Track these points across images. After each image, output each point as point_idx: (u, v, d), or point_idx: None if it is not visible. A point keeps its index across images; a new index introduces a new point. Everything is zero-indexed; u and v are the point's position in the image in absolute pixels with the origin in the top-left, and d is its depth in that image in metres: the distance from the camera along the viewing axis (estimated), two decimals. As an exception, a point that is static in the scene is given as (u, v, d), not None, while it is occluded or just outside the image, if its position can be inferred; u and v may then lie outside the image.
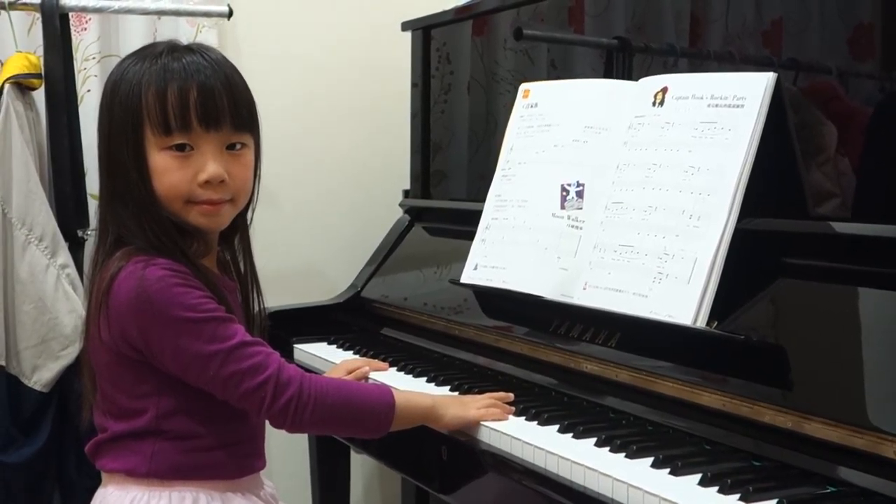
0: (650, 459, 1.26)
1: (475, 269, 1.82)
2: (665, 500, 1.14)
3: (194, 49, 1.37)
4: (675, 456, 1.26)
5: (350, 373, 1.76)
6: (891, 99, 1.39)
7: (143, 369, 1.33)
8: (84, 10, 2.28)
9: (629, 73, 1.80)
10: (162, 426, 1.34)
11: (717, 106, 1.48)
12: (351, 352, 1.97)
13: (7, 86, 2.11)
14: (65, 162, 2.19)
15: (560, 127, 1.76)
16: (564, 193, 1.69)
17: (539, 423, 1.44)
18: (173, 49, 1.36)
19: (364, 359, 1.85)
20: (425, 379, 1.73)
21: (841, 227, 1.37)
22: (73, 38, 2.30)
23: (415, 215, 2.34)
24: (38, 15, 2.21)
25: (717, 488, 1.17)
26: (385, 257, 2.28)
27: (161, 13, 2.36)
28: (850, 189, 1.43)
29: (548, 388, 1.62)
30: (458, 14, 2.26)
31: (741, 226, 1.42)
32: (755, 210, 1.43)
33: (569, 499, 1.27)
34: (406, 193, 2.43)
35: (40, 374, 2.13)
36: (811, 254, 1.39)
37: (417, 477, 1.77)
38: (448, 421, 1.47)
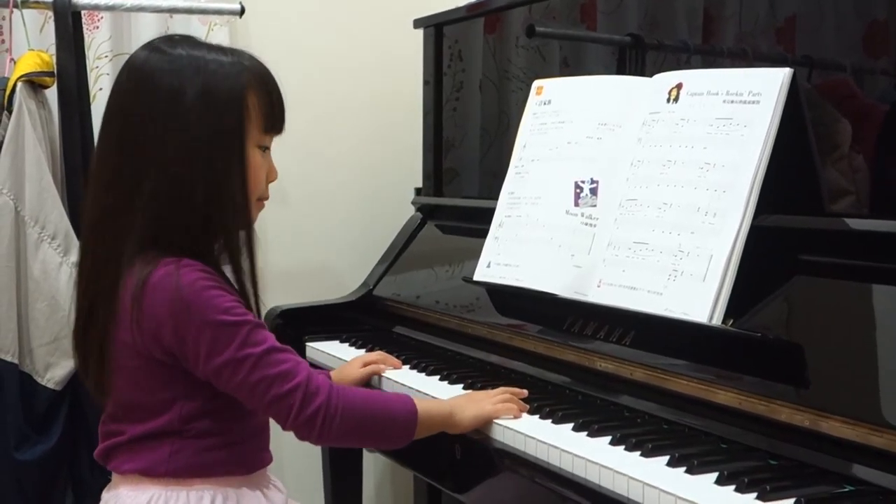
0: (666, 458, 1.26)
1: (488, 266, 1.82)
2: (682, 498, 1.14)
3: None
4: (690, 454, 1.25)
5: (365, 365, 1.77)
6: (907, 95, 1.38)
7: (173, 373, 1.32)
8: (96, 7, 2.28)
9: (642, 71, 1.79)
10: (183, 427, 1.34)
11: (732, 102, 1.47)
12: (363, 350, 1.97)
13: (20, 84, 2.12)
14: (77, 160, 2.19)
15: (574, 124, 1.76)
16: (578, 190, 1.69)
17: (553, 422, 1.44)
18: (230, 48, 1.39)
19: (380, 353, 1.85)
20: (438, 377, 1.73)
21: (856, 223, 1.36)
22: (86, 36, 2.30)
23: (427, 213, 2.34)
24: (50, 13, 2.22)
25: (733, 487, 1.16)
26: (397, 255, 2.27)
27: (173, 11, 2.36)
28: (865, 186, 1.42)
29: (562, 386, 1.62)
30: (470, 11, 2.25)
31: (757, 223, 1.41)
32: (771, 207, 1.43)
33: (583, 497, 1.26)
34: (418, 191, 2.42)
35: (53, 372, 2.14)
36: (827, 251, 1.38)
37: (430, 475, 1.77)
38: (466, 425, 1.46)
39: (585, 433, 1.38)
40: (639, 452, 1.29)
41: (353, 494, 2.25)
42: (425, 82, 2.39)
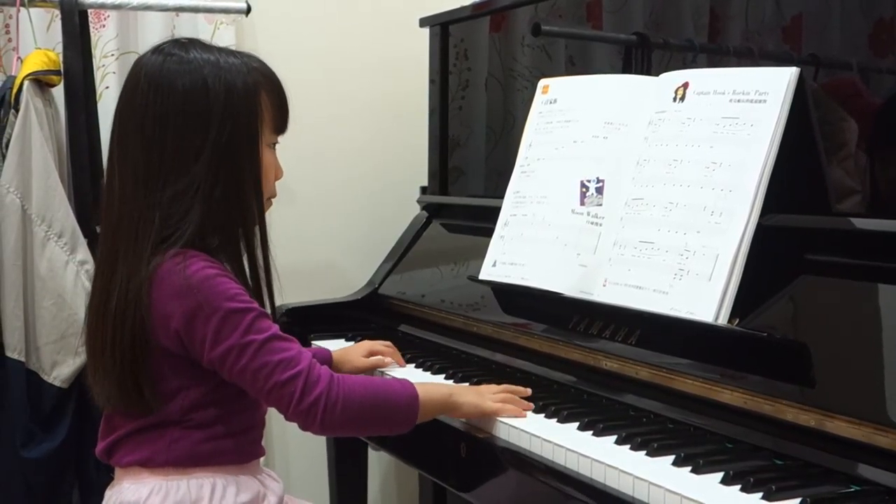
0: (671, 457, 1.26)
1: (494, 265, 1.82)
2: (687, 498, 1.14)
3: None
4: (696, 454, 1.25)
5: (370, 354, 1.78)
6: (914, 94, 1.38)
7: (179, 363, 1.34)
8: (103, 6, 2.29)
9: (647, 70, 1.79)
10: (183, 417, 1.35)
11: (739, 101, 1.47)
12: (369, 349, 1.97)
13: (27, 82, 2.12)
14: (84, 158, 2.20)
15: (579, 123, 1.76)
16: (584, 190, 1.69)
17: (558, 421, 1.44)
18: (235, 50, 1.43)
19: (391, 347, 1.85)
20: (443, 376, 1.73)
21: (863, 223, 1.36)
22: (92, 34, 2.31)
23: (432, 212, 2.34)
24: (57, 12, 2.22)
25: (739, 487, 1.16)
26: (403, 254, 2.28)
27: (179, 10, 2.36)
28: (871, 185, 1.42)
29: (567, 385, 1.62)
30: (476, 10, 2.25)
31: (763, 222, 1.41)
32: (777, 206, 1.42)
33: (589, 497, 1.26)
34: (424, 190, 2.42)
35: (60, 370, 2.14)
36: (833, 250, 1.38)
37: (435, 474, 1.77)
38: (465, 410, 1.47)
39: (591, 432, 1.38)
40: (644, 452, 1.29)
41: (358, 493, 2.25)
42: (431, 81, 2.39)
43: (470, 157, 2.32)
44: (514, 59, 2.15)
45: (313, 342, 2.06)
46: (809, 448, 1.23)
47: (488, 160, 2.24)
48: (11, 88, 2.13)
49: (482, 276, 1.83)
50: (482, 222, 1.94)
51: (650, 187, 1.56)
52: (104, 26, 2.39)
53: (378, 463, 2.70)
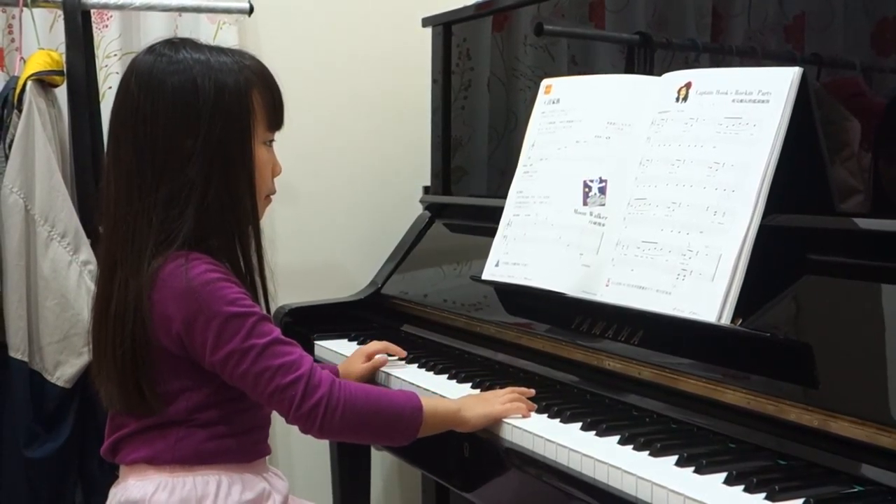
0: (674, 457, 1.25)
1: (496, 265, 1.82)
2: (690, 498, 1.14)
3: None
4: (699, 454, 1.25)
5: (368, 357, 1.79)
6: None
7: (182, 364, 1.35)
8: (106, 6, 2.29)
9: (650, 69, 1.79)
10: (189, 417, 1.36)
11: (741, 101, 1.47)
12: (371, 349, 1.97)
13: (30, 83, 2.12)
14: (87, 158, 2.20)
15: (582, 123, 1.76)
16: (587, 190, 1.69)
17: (561, 421, 1.44)
18: (228, 48, 1.43)
19: (382, 342, 1.85)
20: (446, 376, 1.73)
21: (866, 223, 1.36)
22: (95, 34, 2.31)
23: (435, 212, 2.34)
24: (60, 12, 2.23)
25: (742, 487, 1.16)
26: (405, 254, 2.27)
27: (182, 10, 2.36)
28: (874, 185, 1.41)
29: (570, 385, 1.62)
30: (479, 10, 2.25)
31: (766, 222, 1.41)
32: (780, 206, 1.42)
33: (592, 497, 1.26)
34: (426, 190, 2.42)
35: (63, 370, 2.14)
36: (836, 250, 1.38)
37: (438, 474, 1.77)
38: (474, 423, 1.47)
39: (594, 432, 1.38)
40: (647, 452, 1.29)
41: (362, 493, 2.25)
42: (433, 81, 2.39)
43: (472, 157, 2.32)
44: (516, 59, 2.15)
45: (316, 342, 2.06)
46: (812, 448, 1.22)
47: (491, 160, 2.24)
48: (15, 89, 2.14)
49: (485, 276, 1.83)
50: (485, 222, 1.94)
51: (653, 187, 1.56)
52: (107, 26, 2.39)
53: (381, 463, 2.70)
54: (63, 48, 2.21)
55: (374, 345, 1.84)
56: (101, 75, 2.34)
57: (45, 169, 2.12)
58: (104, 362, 1.37)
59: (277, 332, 1.36)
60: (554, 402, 1.51)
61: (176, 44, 1.40)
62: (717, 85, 1.52)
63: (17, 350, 2.13)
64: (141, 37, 2.41)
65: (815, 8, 1.51)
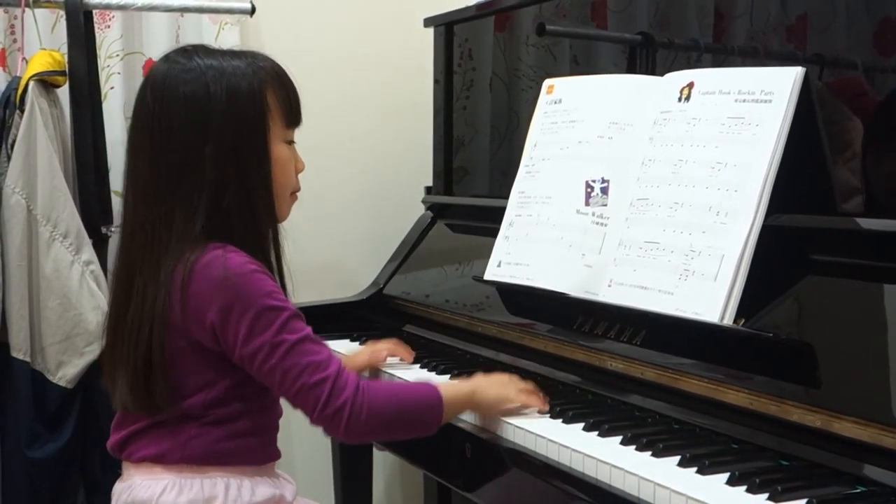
0: (677, 458, 1.25)
1: (498, 265, 1.82)
2: (693, 499, 1.13)
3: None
4: (701, 455, 1.25)
5: (374, 353, 1.80)
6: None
7: (209, 357, 1.35)
8: (108, 7, 2.29)
9: (652, 69, 1.79)
10: (204, 413, 1.36)
11: (744, 101, 1.47)
12: (373, 349, 1.97)
13: (32, 83, 2.12)
14: (89, 159, 2.20)
15: (584, 123, 1.76)
16: (589, 190, 1.69)
17: (564, 421, 1.44)
18: (241, 51, 1.44)
19: (393, 340, 1.85)
20: (448, 376, 1.73)
21: (868, 223, 1.35)
22: (97, 35, 2.31)
23: (437, 212, 2.34)
24: (62, 12, 2.22)
25: (745, 487, 1.16)
26: (407, 254, 2.28)
27: (184, 10, 2.36)
28: (877, 185, 1.41)
29: (572, 385, 1.62)
30: (481, 10, 2.25)
31: (768, 222, 1.41)
32: (782, 206, 1.42)
33: (594, 497, 1.26)
34: (428, 190, 2.42)
35: (65, 371, 2.14)
36: (839, 250, 1.38)
37: (440, 474, 1.77)
38: (489, 405, 1.47)
39: (596, 433, 1.38)
40: (650, 452, 1.29)
41: (364, 493, 2.25)
42: (435, 81, 2.39)
43: (474, 157, 2.32)
44: (518, 59, 2.15)
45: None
46: (815, 449, 1.22)
47: (493, 160, 2.24)
48: (17, 89, 2.14)
49: (487, 277, 1.83)
50: (487, 222, 1.94)
51: (655, 187, 1.56)
52: (109, 27, 2.39)
53: (383, 463, 2.70)
54: (65, 48, 2.21)
55: (384, 343, 1.84)
56: (102, 76, 2.33)
57: (48, 169, 2.12)
58: (117, 365, 1.38)
59: (309, 330, 1.36)
60: (556, 402, 1.51)
61: (189, 51, 1.41)
62: (720, 85, 1.52)
63: (20, 350, 2.13)
64: (143, 37, 2.41)
65: (817, 8, 1.51)
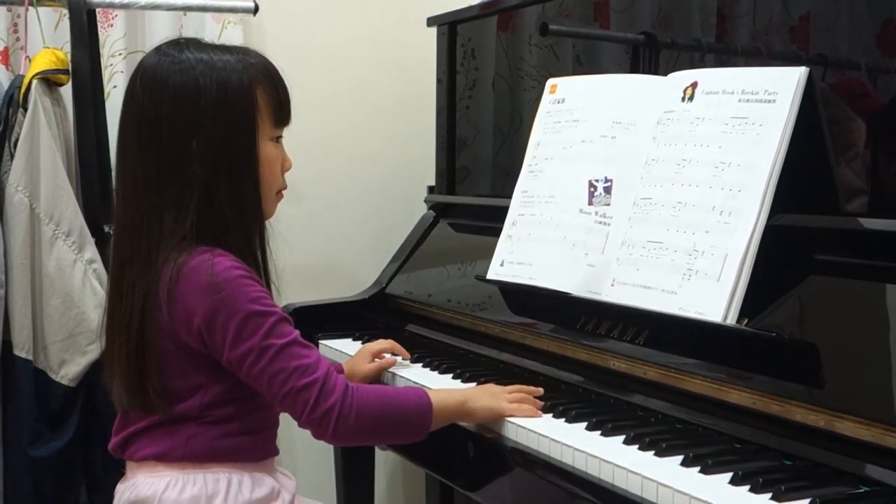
0: (679, 457, 1.25)
1: (501, 265, 1.82)
2: (696, 498, 1.13)
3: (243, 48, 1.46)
4: (704, 454, 1.25)
5: (374, 357, 1.79)
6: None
7: (200, 360, 1.35)
8: (111, 5, 2.29)
9: (655, 69, 1.79)
10: (202, 413, 1.36)
11: (748, 101, 1.47)
12: (376, 348, 1.97)
13: (35, 81, 2.12)
14: (92, 157, 2.20)
15: (588, 122, 1.75)
16: (592, 189, 1.69)
17: (566, 421, 1.44)
18: (233, 47, 1.43)
19: (389, 341, 1.85)
20: (451, 375, 1.73)
21: (871, 223, 1.35)
22: (100, 33, 2.32)
23: (440, 211, 2.34)
24: (65, 11, 2.23)
25: (748, 487, 1.16)
26: (410, 253, 2.27)
27: (187, 9, 2.36)
28: (880, 185, 1.41)
29: (575, 385, 1.62)
30: (484, 9, 2.25)
31: (772, 222, 1.41)
32: (786, 206, 1.42)
33: (596, 497, 1.26)
34: (431, 189, 2.42)
35: (67, 369, 2.15)
36: (842, 250, 1.38)
37: (443, 473, 1.77)
38: (479, 415, 1.47)
39: (599, 432, 1.38)
40: (652, 452, 1.29)
41: (366, 492, 2.25)
42: (438, 80, 2.39)
43: (477, 157, 2.32)
44: (521, 59, 2.15)
45: (321, 341, 2.06)
46: (818, 449, 1.22)
47: (496, 160, 2.24)
48: (20, 88, 2.14)
49: (490, 276, 1.83)
50: (490, 222, 1.94)
51: (659, 187, 1.55)
52: (112, 25, 2.39)
53: (385, 462, 2.70)
54: (68, 47, 2.21)
55: (380, 343, 1.83)
56: (105, 74, 2.34)
57: (50, 168, 2.13)
58: (114, 361, 1.38)
59: (296, 333, 1.36)
60: (559, 401, 1.51)
61: (181, 44, 1.40)
62: (723, 85, 1.52)
63: (22, 348, 2.13)
64: (146, 36, 2.42)
65: (820, 8, 1.51)
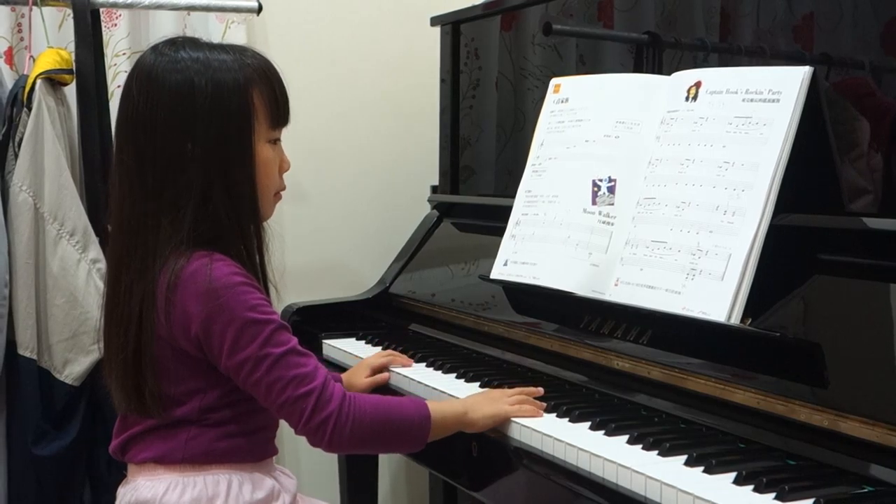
0: (683, 457, 1.25)
1: (505, 264, 1.82)
2: (700, 498, 1.13)
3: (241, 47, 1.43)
4: (708, 454, 1.25)
5: (373, 371, 1.76)
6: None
7: (198, 365, 1.35)
8: (115, 5, 2.29)
9: (659, 69, 1.79)
10: (201, 417, 1.36)
11: (752, 101, 1.47)
12: (379, 348, 1.97)
13: (39, 81, 2.12)
14: (95, 157, 2.20)
15: (591, 122, 1.75)
16: (596, 189, 1.69)
17: (570, 420, 1.44)
18: (231, 46, 1.41)
19: (389, 352, 1.85)
20: (454, 375, 1.73)
21: (876, 222, 1.35)
22: (104, 33, 2.31)
23: (443, 211, 2.34)
24: (69, 11, 2.23)
25: (752, 487, 1.16)
26: (413, 253, 2.28)
27: (191, 9, 2.36)
28: (884, 184, 1.41)
29: (578, 384, 1.62)
30: (487, 9, 2.25)
31: (776, 222, 1.41)
32: (790, 206, 1.42)
33: (601, 496, 1.26)
34: (434, 189, 2.42)
35: (71, 368, 2.15)
36: (846, 250, 1.38)
37: (446, 473, 1.77)
38: (482, 424, 1.46)
39: (602, 432, 1.38)
40: (656, 451, 1.29)
41: (369, 491, 2.25)
42: (442, 80, 2.39)
43: (481, 156, 2.32)
44: (524, 58, 2.15)
45: (324, 341, 2.06)
46: (822, 448, 1.22)
47: (499, 159, 2.24)
48: (24, 87, 2.14)
49: (493, 276, 1.83)
50: (493, 221, 1.94)
51: (662, 187, 1.55)
52: (116, 25, 2.40)
53: (388, 461, 2.70)
54: (72, 47, 2.22)
55: (380, 357, 1.81)
56: (109, 74, 2.34)
57: (55, 167, 2.13)
58: (111, 363, 1.38)
59: (295, 341, 1.35)
60: (563, 401, 1.51)
61: (178, 43, 1.39)
62: (727, 84, 1.52)
63: (26, 348, 2.13)
64: (149, 36, 2.41)
65: (823, 8, 1.51)
